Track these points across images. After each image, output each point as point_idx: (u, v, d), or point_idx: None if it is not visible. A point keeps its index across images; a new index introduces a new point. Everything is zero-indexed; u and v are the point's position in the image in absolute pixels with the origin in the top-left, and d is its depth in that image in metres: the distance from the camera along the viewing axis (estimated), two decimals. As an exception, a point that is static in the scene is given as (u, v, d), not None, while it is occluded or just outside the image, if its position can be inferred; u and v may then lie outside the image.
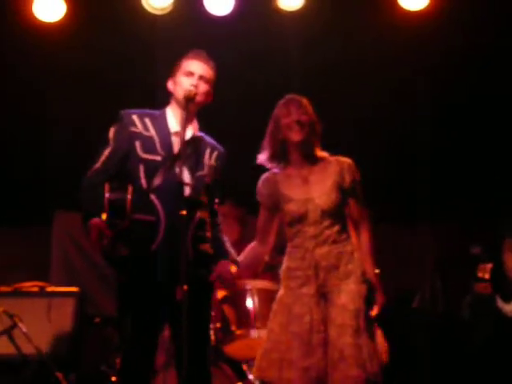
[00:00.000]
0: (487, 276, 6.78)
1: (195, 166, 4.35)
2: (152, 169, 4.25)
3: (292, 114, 4.39)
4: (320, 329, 4.22)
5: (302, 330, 4.23)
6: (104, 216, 4.08)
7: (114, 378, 6.33)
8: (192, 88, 4.35)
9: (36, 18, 6.87)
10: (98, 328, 7.06)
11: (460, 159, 8.03)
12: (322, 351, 4.18)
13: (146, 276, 4.17)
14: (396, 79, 7.48)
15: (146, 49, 7.14)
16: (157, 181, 4.18)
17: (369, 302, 4.31)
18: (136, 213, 4.18)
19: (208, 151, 4.46)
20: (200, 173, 4.36)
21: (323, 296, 4.27)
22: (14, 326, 6.51)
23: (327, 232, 4.31)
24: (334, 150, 7.66)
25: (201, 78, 4.41)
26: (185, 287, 3.84)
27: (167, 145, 4.29)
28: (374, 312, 4.30)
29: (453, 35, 7.01)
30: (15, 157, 8.06)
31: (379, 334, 4.37)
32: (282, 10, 6.86)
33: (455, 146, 7.96)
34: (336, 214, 4.32)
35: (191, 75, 4.40)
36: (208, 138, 4.53)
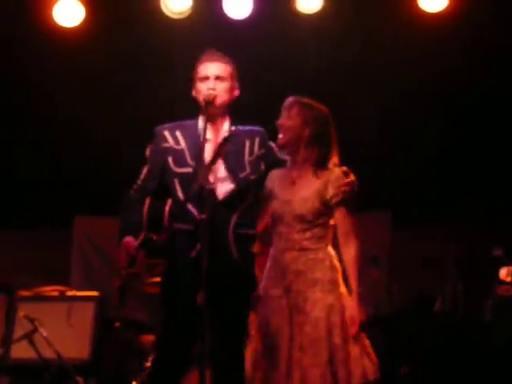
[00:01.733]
0: (509, 279, 6.75)
1: (236, 168, 4.32)
2: (186, 181, 4.25)
3: (281, 116, 4.35)
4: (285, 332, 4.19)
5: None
6: (141, 236, 4.21)
7: (134, 383, 6.33)
8: (210, 92, 4.33)
9: (56, 23, 6.89)
10: (119, 332, 7.06)
11: (482, 159, 7.96)
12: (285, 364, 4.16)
13: (184, 283, 4.18)
14: (415, 80, 7.46)
15: (164, 53, 7.16)
16: (192, 191, 4.16)
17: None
18: (175, 222, 4.27)
19: (248, 145, 4.40)
20: (243, 173, 4.33)
21: (289, 299, 4.22)
22: (35, 330, 6.52)
23: (297, 237, 4.25)
24: (353, 150, 7.73)
25: (217, 78, 4.35)
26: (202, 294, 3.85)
27: (198, 154, 4.22)
28: (353, 331, 4.19)
29: (472, 37, 6.99)
30: (36, 161, 8.10)
31: (365, 348, 4.25)
32: (300, 12, 6.85)
33: (475, 145, 7.90)
34: (311, 222, 4.23)
35: (206, 79, 4.35)
36: (243, 130, 4.45)
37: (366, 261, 7.50)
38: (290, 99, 4.39)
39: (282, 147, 4.37)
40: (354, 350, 4.18)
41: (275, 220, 4.33)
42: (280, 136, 4.33)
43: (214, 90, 4.32)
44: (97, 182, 8.08)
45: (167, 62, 7.19)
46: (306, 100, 4.39)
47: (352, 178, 4.32)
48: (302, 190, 4.28)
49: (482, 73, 7.28)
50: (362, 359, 4.18)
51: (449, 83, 7.39)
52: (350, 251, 4.26)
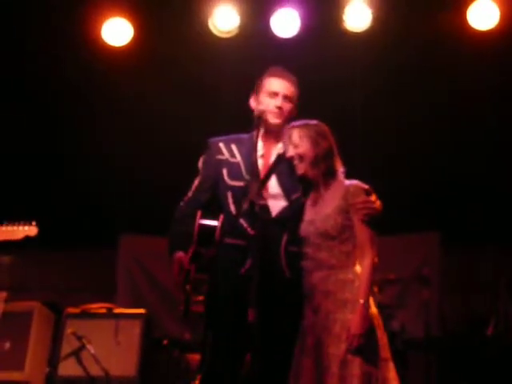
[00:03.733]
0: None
1: (290, 188, 4.29)
2: (239, 194, 4.22)
3: (293, 145, 4.25)
4: (311, 354, 4.11)
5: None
6: (191, 250, 4.17)
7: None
8: (277, 110, 4.29)
9: (104, 42, 6.95)
10: (166, 350, 7.05)
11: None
12: (310, 375, 4.09)
13: (234, 299, 4.12)
14: (464, 98, 7.38)
15: (211, 72, 7.17)
16: (244, 206, 4.11)
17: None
18: (226, 237, 4.21)
19: None
20: (295, 195, 4.29)
21: (317, 320, 4.14)
22: (83, 347, 6.55)
23: (324, 256, 4.17)
24: (402, 170, 7.69)
25: (285, 97, 4.32)
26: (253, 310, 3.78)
27: (254, 168, 4.18)
28: (348, 343, 4.11)
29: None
30: (83, 181, 8.15)
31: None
32: (348, 31, 6.82)
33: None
34: (336, 238, 4.16)
35: (275, 96, 4.32)
36: None
37: (416, 280, 7.47)
38: (296, 128, 4.28)
39: (303, 176, 4.27)
40: (391, 372, 4.11)
41: (301, 242, 4.26)
42: (297, 166, 4.24)
43: (280, 109, 4.30)
44: (143, 200, 8.10)
45: (215, 80, 7.21)
46: (297, 122, 4.32)
47: (374, 197, 4.24)
48: (323, 208, 4.22)
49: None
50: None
51: (499, 102, 7.30)
52: (365, 262, 4.13)
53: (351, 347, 3.99)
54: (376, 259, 4.17)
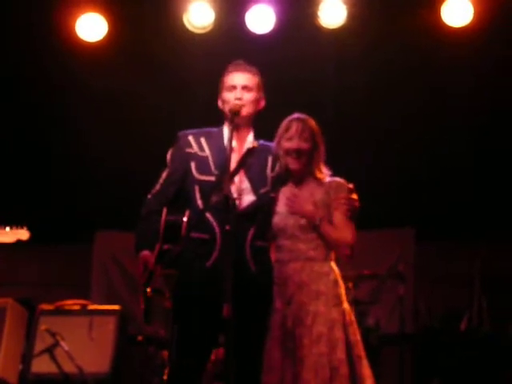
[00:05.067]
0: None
1: (258, 182, 4.29)
2: (207, 189, 4.21)
3: (293, 139, 4.29)
4: (282, 346, 4.12)
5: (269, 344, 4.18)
6: (157, 246, 4.17)
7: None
8: (237, 102, 4.29)
9: (78, 38, 6.92)
10: (140, 347, 7.03)
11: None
12: (282, 367, 4.09)
13: (200, 293, 4.13)
14: (439, 95, 7.43)
15: (186, 67, 7.16)
16: (213, 200, 4.12)
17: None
18: (192, 231, 4.21)
19: (270, 160, 4.38)
20: (264, 189, 4.30)
21: (290, 311, 4.15)
22: (56, 344, 6.52)
23: (303, 247, 4.21)
24: (376, 166, 7.72)
25: (244, 88, 4.33)
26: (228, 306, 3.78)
27: (222, 163, 4.19)
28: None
29: (496, 52, 6.93)
30: (57, 176, 8.11)
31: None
32: (323, 27, 6.83)
33: (502, 160, 7.84)
34: (317, 231, 4.22)
35: (234, 89, 4.33)
36: (266, 145, 4.41)
37: (391, 276, 7.50)
38: (301, 117, 4.34)
39: (296, 171, 4.31)
40: (366, 370, 4.12)
41: (276, 234, 4.28)
42: (294, 160, 4.28)
43: (240, 99, 4.30)
44: (118, 196, 8.07)
45: (188, 77, 7.20)
46: (297, 116, 4.36)
47: (355, 196, 4.29)
48: (304, 202, 4.25)
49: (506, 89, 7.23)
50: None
51: (476, 98, 7.34)
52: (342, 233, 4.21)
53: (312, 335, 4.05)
54: (352, 251, 4.22)
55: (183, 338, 4.16)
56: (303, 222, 4.20)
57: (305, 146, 4.28)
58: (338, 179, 4.30)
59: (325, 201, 4.23)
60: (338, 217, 4.22)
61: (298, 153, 4.27)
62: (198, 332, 4.11)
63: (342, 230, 4.20)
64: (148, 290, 4.19)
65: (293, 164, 4.28)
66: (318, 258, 4.20)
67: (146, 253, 4.18)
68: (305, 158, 4.28)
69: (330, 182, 4.28)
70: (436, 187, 8.04)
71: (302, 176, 4.33)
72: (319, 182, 4.30)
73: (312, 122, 4.35)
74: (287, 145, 4.29)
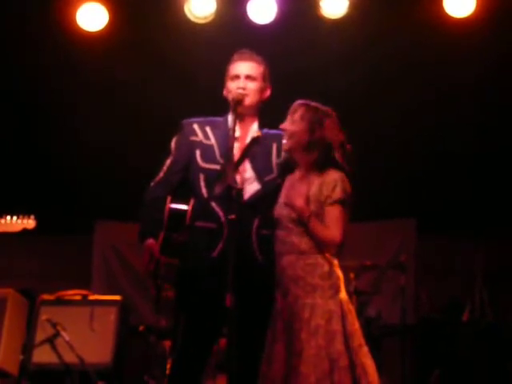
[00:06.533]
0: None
1: (263, 170, 4.28)
2: (212, 178, 4.19)
3: (285, 120, 4.27)
4: (282, 338, 4.10)
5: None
6: (161, 235, 4.15)
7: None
8: (240, 91, 4.28)
9: (79, 27, 6.90)
10: (141, 337, 7.03)
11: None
12: (282, 360, 4.08)
13: (206, 283, 4.12)
14: (441, 87, 7.41)
15: (187, 58, 7.14)
16: (217, 189, 4.07)
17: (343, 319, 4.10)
18: (197, 221, 4.19)
19: (275, 147, 4.37)
20: (269, 177, 4.29)
21: (286, 304, 4.14)
22: (57, 334, 6.51)
23: (296, 240, 4.16)
24: (378, 157, 7.72)
25: (247, 77, 4.31)
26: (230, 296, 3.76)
27: (227, 152, 4.16)
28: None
29: (499, 43, 6.91)
30: (56, 167, 8.10)
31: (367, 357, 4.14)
32: (325, 17, 6.81)
33: (502, 154, 7.82)
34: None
35: (237, 78, 4.32)
36: (272, 133, 4.39)
37: (392, 267, 7.50)
38: (296, 103, 4.30)
39: (287, 152, 4.28)
40: (367, 358, 4.11)
41: (274, 223, 4.26)
42: (284, 141, 4.25)
43: (243, 89, 4.29)
44: (118, 186, 8.06)
45: (191, 66, 7.18)
46: (311, 103, 4.30)
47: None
48: (299, 193, 4.22)
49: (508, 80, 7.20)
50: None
51: (479, 90, 7.32)
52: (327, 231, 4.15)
53: (309, 327, 4.03)
54: (339, 248, 4.16)
55: (189, 327, 4.17)
56: (294, 214, 4.16)
57: (291, 127, 4.23)
58: (334, 174, 4.23)
59: (317, 196, 4.17)
60: (329, 215, 4.15)
61: (290, 135, 4.22)
62: (203, 322, 4.11)
63: (330, 230, 4.13)
64: (158, 281, 4.18)
65: (284, 145, 4.26)
66: (310, 251, 4.15)
67: (151, 241, 4.16)
68: (294, 140, 4.22)
69: (325, 177, 4.22)
70: (438, 178, 8.02)
71: (307, 166, 4.29)
72: (320, 174, 4.25)
73: (321, 113, 4.27)
74: (284, 125, 4.27)
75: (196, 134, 4.33)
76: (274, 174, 4.30)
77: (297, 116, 4.24)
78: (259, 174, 4.26)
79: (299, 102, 4.30)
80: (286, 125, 4.25)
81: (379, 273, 7.99)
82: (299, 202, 4.14)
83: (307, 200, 4.16)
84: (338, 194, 4.15)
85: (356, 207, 4.26)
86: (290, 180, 4.31)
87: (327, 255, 4.18)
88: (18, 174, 8.11)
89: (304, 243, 4.16)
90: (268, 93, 4.41)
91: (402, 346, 7.14)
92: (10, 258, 8.70)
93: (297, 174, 4.31)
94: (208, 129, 4.35)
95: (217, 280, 3.91)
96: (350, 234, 4.24)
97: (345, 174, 4.22)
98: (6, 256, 8.63)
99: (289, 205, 4.16)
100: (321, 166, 4.24)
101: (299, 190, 4.21)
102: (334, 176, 4.20)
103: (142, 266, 4.20)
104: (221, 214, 4.14)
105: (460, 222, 8.15)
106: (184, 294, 4.24)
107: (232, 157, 4.08)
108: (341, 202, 4.16)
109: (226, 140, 4.19)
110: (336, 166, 4.23)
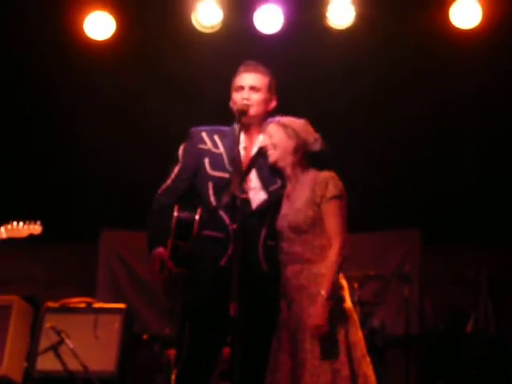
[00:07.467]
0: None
1: (268, 180, 4.30)
2: (221, 186, 4.20)
3: (270, 136, 4.29)
4: (287, 348, 4.11)
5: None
6: (169, 243, 4.15)
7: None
8: (244, 102, 4.31)
9: (87, 36, 6.92)
10: (146, 345, 7.03)
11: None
12: (286, 370, 4.09)
13: (214, 293, 4.11)
14: (446, 98, 7.41)
15: (194, 67, 7.15)
16: (225, 198, 4.06)
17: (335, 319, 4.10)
18: (204, 229, 4.20)
19: None
20: (273, 186, 4.31)
21: (291, 315, 4.14)
22: (61, 342, 6.52)
23: (299, 249, 4.17)
24: (381, 167, 7.72)
25: (252, 88, 4.34)
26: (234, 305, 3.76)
27: (236, 161, 4.20)
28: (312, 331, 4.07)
29: (505, 54, 6.92)
30: (62, 174, 8.12)
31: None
32: (332, 28, 6.82)
33: (506, 164, 7.82)
34: (307, 232, 4.17)
35: (242, 89, 4.34)
36: None
37: (396, 277, 7.50)
38: (266, 123, 4.36)
39: (274, 163, 4.29)
40: (368, 369, 4.11)
41: (278, 237, 4.27)
42: (270, 153, 4.27)
43: (248, 100, 4.31)
44: (124, 194, 8.07)
45: (198, 76, 7.20)
46: (280, 118, 4.35)
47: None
48: (295, 202, 4.23)
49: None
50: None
51: (483, 100, 7.33)
52: (331, 253, 4.12)
53: (313, 337, 4.01)
54: (343, 249, 4.15)
55: (194, 337, 4.17)
56: (294, 224, 4.18)
57: (271, 140, 4.28)
58: (322, 174, 4.26)
59: (312, 199, 4.20)
60: (328, 212, 4.18)
61: (272, 147, 4.27)
62: (209, 332, 4.11)
63: (332, 240, 4.14)
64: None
65: (270, 157, 4.28)
66: (314, 260, 4.16)
67: (160, 250, 4.16)
68: (280, 151, 4.26)
69: (315, 178, 4.24)
70: (442, 189, 8.01)
71: (288, 175, 4.31)
72: (306, 179, 4.27)
73: (283, 121, 4.32)
74: (264, 143, 4.31)
75: (205, 143, 4.35)
76: (278, 185, 4.32)
77: (271, 130, 4.29)
78: (265, 184, 4.28)
79: (268, 121, 4.36)
80: (265, 141, 4.29)
81: (383, 283, 8.00)
82: (296, 218, 4.16)
83: (303, 207, 4.18)
84: (331, 190, 4.18)
85: (360, 218, 4.27)
86: (285, 191, 4.34)
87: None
88: (24, 180, 8.12)
89: (307, 252, 4.17)
90: (274, 104, 4.43)
91: (405, 356, 7.13)
92: (15, 264, 8.70)
93: (288, 187, 4.33)
94: (216, 137, 4.37)
95: (223, 289, 3.88)
96: (354, 244, 4.25)
97: (331, 172, 4.26)
98: (11, 262, 8.63)
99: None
100: (305, 165, 4.29)
101: (299, 198, 4.23)
102: (323, 175, 4.24)
103: (151, 274, 4.20)
104: (228, 222, 4.13)
105: (464, 233, 8.14)
106: (191, 303, 4.24)
107: (238, 166, 4.10)
108: (336, 198, 4.18)
109: (234, 149, 4.22)
110: (317, 163, 4.30)
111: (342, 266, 4.19)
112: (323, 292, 4.05)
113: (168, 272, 4.13)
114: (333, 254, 4.12)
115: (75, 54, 7.07)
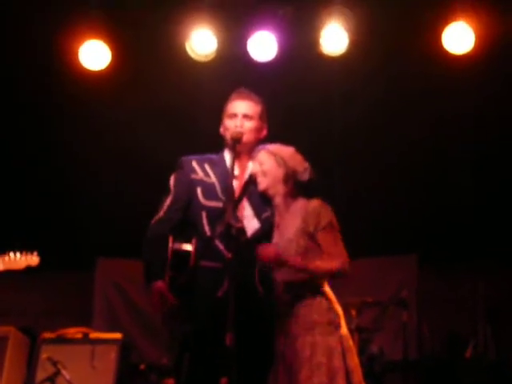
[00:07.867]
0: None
1: (259, 208, 4.31)
2: (214, 215, 4.20)
3: (261, 164, 4.30)
4: (283, 379, 4.09)
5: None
6: (167, 276, 4.13)
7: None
8: (237, 129, 4.32)
9: (82, 66, 6.92)
10: (143, 375, 6.99)
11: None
12: None
13: (212, 324, 4.10)
14: (440, 123, 7.44)
15: (189, 95, 7.17)
16: (220, 227, 4.04)
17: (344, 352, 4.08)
18: (202, 260, 4.19)
19: None
20: (265, 214, 4.32)
21: (287, 344, 4.13)
22: (58, 373, 6.47)
23: (288, 278, 4.15)
24: (377, 194, 7.74)
25: (245, 116, 4.37)
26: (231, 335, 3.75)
27: (228, 190, 4.19)
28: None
29: (498, 79, 6.95)
30: (58, 203, 8.11)
31: None
32: (325, 54, 6.84)
33: (503, 186, 7.83)
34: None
35: (235, 117, 4.37)
36: None
37: (394, 303, 7.47)
38: (256, 150, 4.37)
39: (264, 191, 4.29)
40: None
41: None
42: (259, 181, 4.27)
43: (241, 127, 4.33)
44: (120, 223, 8.06)
45: (191, 105, 7.22)
46: (269, 146, 4.36)
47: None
48: (285, 232, 4.22)
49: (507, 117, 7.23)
50: None
51: (478, 124, 7.35)
52: (334, 261, 4.11)
53: (310, 369, 3.99)
54: (346, 265, 4.12)
55: (193, 367, 4.17)
56: (287, 254, 4.12)
57: (261, 167, 4.29)
58: (312, 203, 4.24)
59: (304, 229, 4.18)
60: (325, 240, 4.16)
61: (262, 174, 4.27)
62: (208, 362, 4.08)
63: (333, 258, 4.13)
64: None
65: (260, 185, 4.29)
66: (305, 287, 4.16)
67: (160, 284, 4.13)
68: (270, 179, 4.27)
69: (305, 207, 4.23)
70: (438, 212, 8.02)
71: (277, 203, 4.30)
72: (296, 208, 4.26)
73: (272, 148, 4.33)
74: (254, 170, 4.33)
75: (196, 172, 4.36)
76: (269, 213, 4.32)
77: (261, 157, 4.30)
78: (257, 212, 4.29)
79: (257, 148, 4.37)
80: (255, 168, 4.29)
81: (381, 309, 7.97)
82: (292, 259, 4.11)
83: (295, 236, 4.16)
84: (324, 219, 4.16)
85: (357, 244, 4.25)
86: (275, 220, 4.33)
87: (325, 290, 4.17)
88: (20, 209, 8.11)
89: (297, 279, 4.15)
90: (264, 132, 4.46)
91: (404, 381, 7.10)
92: (11, 294, 8.67)
93: (276, 216, 4.31)
94: (207, 166, 4.38)
95: (220, 320, 3.86)
96: (351, 270, 4.23)
97: (320, 200, 4.25)
98: (7, 292, 8.60)
99: (280, 264, 4.12)
100: (294, 194, 4.28)
101: (290, 228, 4.21)
102: (313, 205, 4.22)
103: (151, 307, 4.18)
104: (225, 252, 4.10)
105: (461, 257, 8.14)
106: (188, 334, 4.23)
107: (232, 195, 4.10)
108: (330, 226, 4.17)
109: (226, 178, 4.21)
110: (307, 192, 4.28)
111: (337, 280, 4.19)
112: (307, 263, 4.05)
113: (168, 305, 4.12)
114: (335, 261, 4.10)
115: (70, 83, 7.07)
